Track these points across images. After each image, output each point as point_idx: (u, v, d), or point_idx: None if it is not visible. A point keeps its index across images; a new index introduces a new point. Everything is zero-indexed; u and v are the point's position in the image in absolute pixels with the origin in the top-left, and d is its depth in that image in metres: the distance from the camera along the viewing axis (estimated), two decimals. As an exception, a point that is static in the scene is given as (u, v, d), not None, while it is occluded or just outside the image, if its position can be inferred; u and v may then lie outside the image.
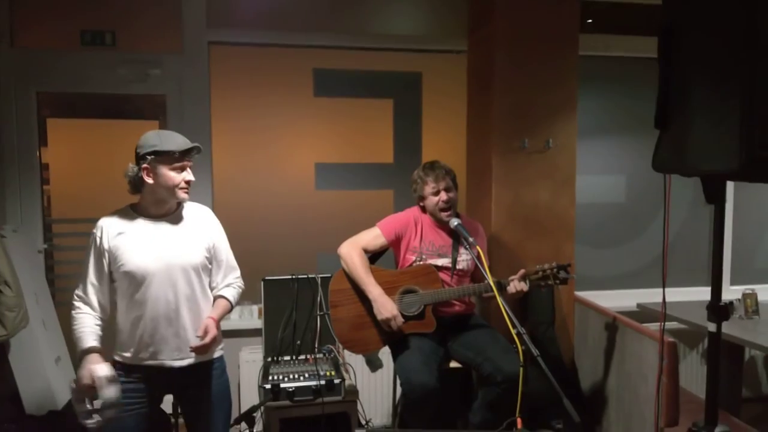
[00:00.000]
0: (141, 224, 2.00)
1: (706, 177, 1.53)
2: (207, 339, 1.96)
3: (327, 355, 2.83)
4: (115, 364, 2.01)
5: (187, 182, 2.00)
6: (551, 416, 2.05)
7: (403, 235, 2.67)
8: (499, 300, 2.13)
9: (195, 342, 1.97)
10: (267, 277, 2.90)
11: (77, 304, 1.98)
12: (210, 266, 2.11)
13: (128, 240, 1.96)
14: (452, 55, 3.60)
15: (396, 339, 2.57)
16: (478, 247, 2.41)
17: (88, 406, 1.85)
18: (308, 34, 3.45)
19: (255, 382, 2.92)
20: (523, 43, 3.09)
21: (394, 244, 2.69)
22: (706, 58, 1.41)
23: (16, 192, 3.18)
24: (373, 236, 2.66)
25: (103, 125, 3.36)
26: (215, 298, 2.13)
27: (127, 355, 2.00)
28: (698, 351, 3.72)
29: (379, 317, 2.51)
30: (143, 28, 3.28)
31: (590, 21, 3.59)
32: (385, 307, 2.50)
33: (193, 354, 1.99)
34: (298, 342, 2.89)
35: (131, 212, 2.02)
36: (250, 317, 3.38)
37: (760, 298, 3.12)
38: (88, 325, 1.95)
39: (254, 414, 2.12)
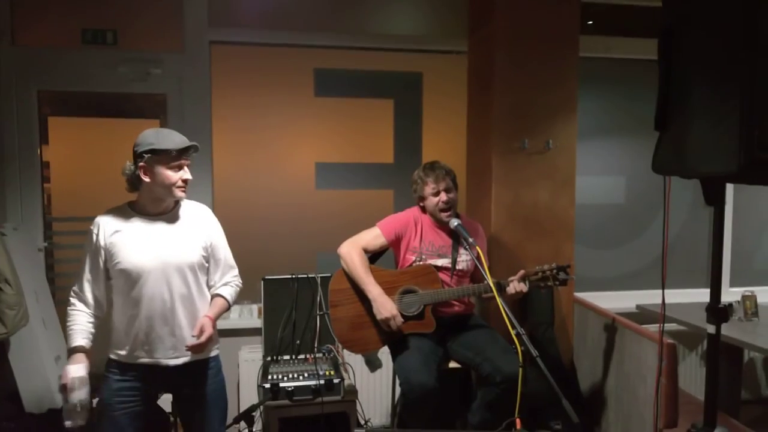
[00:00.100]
0: (138, 222, 1.99)
1: (705, 179, 1.53)
2: (203, 338, 1.95)
3: (326, 354, 2.83)
4: (111, 362, 2.02)
5: (185, 181, 1.99)
6: (550, 417, 2.05)
7: (403, 235, 2.68)
8: (499, 301, 2.13)
9: (191, 341, 1.97)
10: (267, 277, 2.90)
11: (73, 300, 1.99)
12: (207, 265, 2.11)
13: (125, 238, 1.96)
14: (452, 56, 3.60)
15: (395, 339, 2.57)
16: (477, 248, 2.41)
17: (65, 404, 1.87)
18: (309, 34, 3.46)
19: (254, 382, 2.92)
20: (523, 44, 3.09)
21: (394, 244, 2.69)
22: (705, 59, 1.41)
23: (17, 190, 3.18)
24: (373, 236, 2.66)
25: (103, 124, 3.36)
26: (212, 296, 2.13)
27: (123, 353, 2.00)
28: (697, 353, 3.72)
29: (379, 317, 2.51)
30: (144, 27, 3.29)
31: (591, 22, 3.59)
32: (385, 306, 2.50)
33: (188, 352, 1.99)
34: (298, 341, 2.89)
35: (129, 210, 2.02)
36: (250, 316, 3.38)
37: (760, 300, 3.11)
38: (79, 323, 1.96)
39: (253, 413, 2.13)
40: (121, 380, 1.98)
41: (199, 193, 3.11)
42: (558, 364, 3.08)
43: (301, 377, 2.56)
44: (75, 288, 2.00)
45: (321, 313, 2.89)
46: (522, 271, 2.51)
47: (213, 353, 2.13)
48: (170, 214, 2.05)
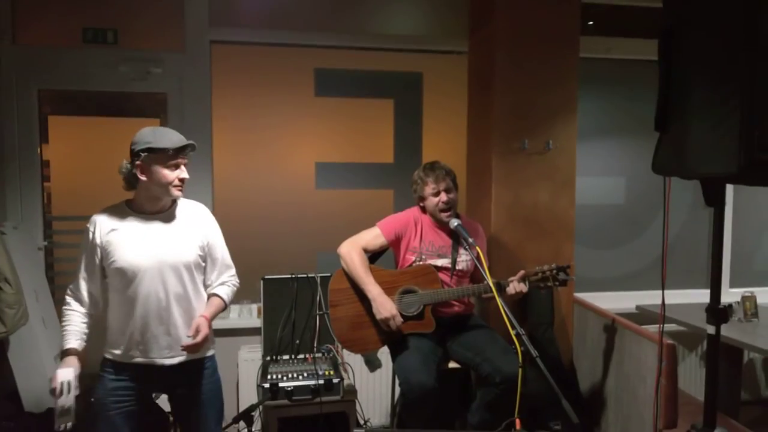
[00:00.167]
0: (134, 221, 1.99)
1: (705, 179, 1.53)
2: (198, 338, 1.94)
3: (326, 354, 2.83)
4: (106, 362, 2.01)
5: (181, 180, 1.98)
6: (550, 417, 2.05)
7: (403, 235, 2.68)
8: (499, 301, 2.13)
9: (186, 341, 1.96)
10: (266, 276, 2.90)
11: (68, 299, 1.99)
12: (203, 264, 2.10)
13: (121, 236, 1.96)
14: (453, 56, 3.60)
15: (395, 339, 2.57)
16: (477, 248, 2.41)
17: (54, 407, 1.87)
18: (310, 34, 3.46)
19: (254, 381, 2.92)
20: (523, 44, 3.09)
21: (394, 244, 2.69)
22: (706, 60, 1.41)
23: (17, 189, 3.18)
24: (373, 236, 2.66)
25: (103, 123, 3.36)
26: (209, 296, 2.12)
27: (118, 352, 1.99)
28: (697, 353, 3.72)
29: (378, 317, 2.51)
30: (145, 26, 3.29)
31: (591, 23, 3.59)
32: (385, 306, 2.50)
33: (184, 352, 1.98)
34: (297, 341, 2.89)
35: (126, 208, 2.02)
36: (249, 316, 3.38)
37: (759, 300, 3.12)
38: (74, 323, 1.96)
39: (253, 413, 2.13)
40: (116, 380, 1.98)
41: (199, 192, 3.11)
42: (558, 365, 3.08)
43: (300, 377, 2.56)
44: (71, 286, 2.01)
45: (321, 312, 2.89)
46: (522, 272, 2.51)
47: (209, 353, 2.12)
48: (167, 213, 2.04)
